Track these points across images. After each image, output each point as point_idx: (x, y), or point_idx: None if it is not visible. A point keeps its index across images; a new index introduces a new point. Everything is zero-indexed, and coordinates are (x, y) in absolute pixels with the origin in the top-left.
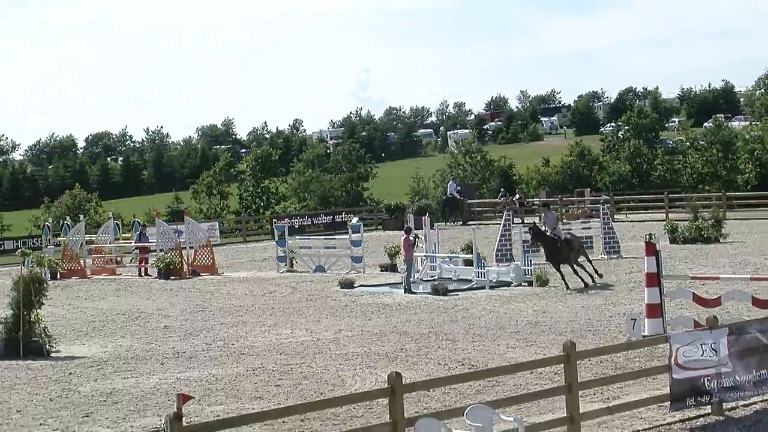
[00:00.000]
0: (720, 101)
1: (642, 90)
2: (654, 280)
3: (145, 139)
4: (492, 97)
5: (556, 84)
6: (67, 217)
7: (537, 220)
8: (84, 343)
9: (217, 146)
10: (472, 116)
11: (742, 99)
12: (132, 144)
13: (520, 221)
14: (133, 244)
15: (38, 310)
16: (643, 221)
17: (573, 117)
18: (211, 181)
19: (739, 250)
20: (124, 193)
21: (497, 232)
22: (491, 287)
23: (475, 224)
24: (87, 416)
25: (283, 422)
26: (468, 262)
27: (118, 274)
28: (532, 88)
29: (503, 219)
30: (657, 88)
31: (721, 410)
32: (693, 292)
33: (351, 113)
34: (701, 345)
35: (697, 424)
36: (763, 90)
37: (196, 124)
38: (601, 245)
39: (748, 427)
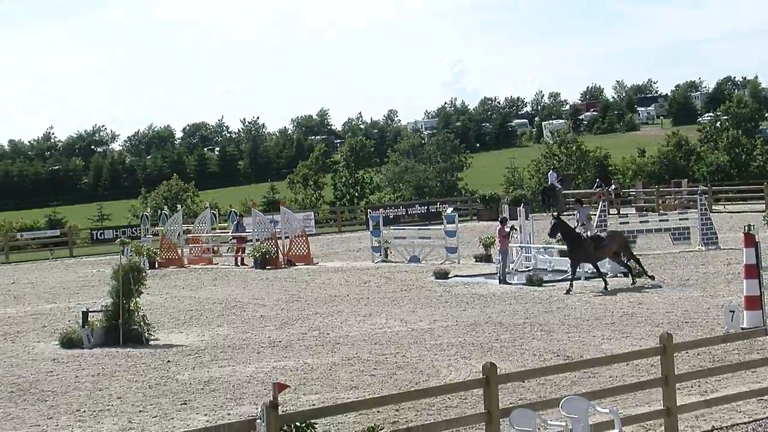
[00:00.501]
0: None
1: (741, 79)
2: (753, 271)
3: (241, 129)
4: (588, 87)
5: (653, 74)
6: (165, 207)
7: (575, 215)
8: (182, 332)
9: (312, 137)
10: (568, 106)
11: None
12: (228, 134)
13: (616, 212)
14: (230, 233)
15: (137, 299)
16: (742, 212)
17: (670, 107)
18: (307, 171)
19: None
20: (221, 183)
21: (592, 222)
22: (586, 278)
23: (570, 215)
24: (185, 404)
25: (378, 412)
26: (563, 253)
27: (215, 264)
28: (628, 78)
29: (598, 210)
30: (756, 77)
31: None
32: None
33: (446, 103)
34: None
35: None
36: None
37: (292, 114)
38: (699, 236)
39: None
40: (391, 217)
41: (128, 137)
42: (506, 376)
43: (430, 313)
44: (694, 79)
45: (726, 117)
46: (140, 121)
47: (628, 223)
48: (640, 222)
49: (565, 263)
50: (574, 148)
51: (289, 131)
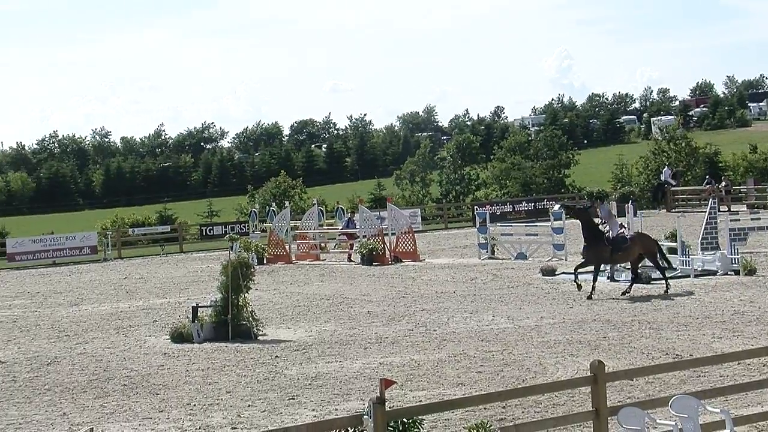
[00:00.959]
0: None
1: None
2: None
3: (348, 126)
4: (697, 83)
5: (765, 69)
6: (273, 203)
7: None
8: (289, 327)
9: (419, 133)
10: (677, 102)
11: None
12: (335, 131)
13: (727, 209)
14: (340, 229)
15: (246, 294)
16: None
17: None
18: (413, 168)
19: None
20: (328, 180)
21: (702, 220)
22: (696, 276)
23: (679, 212)
24: (293, 399)
25: (485, 408)
26: (672, 250)
27: (322, 260)
28: (739, 73)
29: (708, 207)
30: None
31: None
32: None
33: (553, 100)
34: None
35: None
36: None
37: (398, 111)
38: None
39: None
40: (497, 213)
41: (237, 134)
42: (614, 374)
43: (537, 311)
44: None
45: None
46: (248, 119)
47: (738, 220)
48: (752, 219)
49: (673, 261)
50: (683, 144)
51: (396, 128)
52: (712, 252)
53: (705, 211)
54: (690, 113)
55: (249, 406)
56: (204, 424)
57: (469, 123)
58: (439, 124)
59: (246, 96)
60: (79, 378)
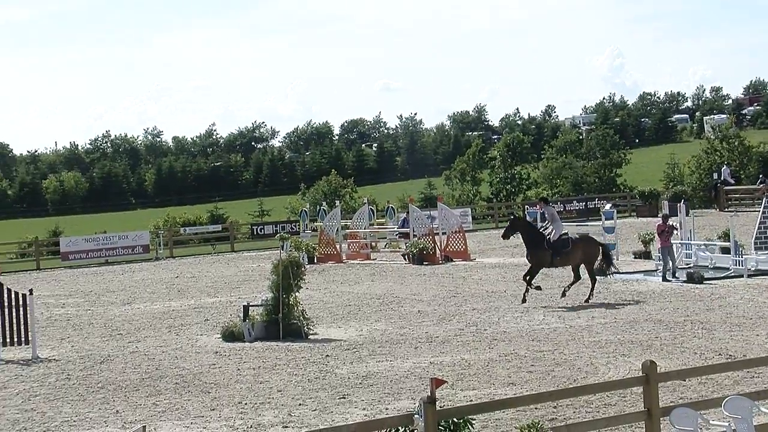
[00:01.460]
0: None
1: None
2: None
3: (398, 125)
4: (751, 81)
5: None
6: (324, 203)
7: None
8: (340, 327)
9: (469, 132)
10: (730, 101)
11: None
12: (386, 130)
13: None
14: (396, 229)
15: (296, 294)
16: None
17: None
18: (464, 167)
19: None
20: (378, 179)
21: (756, 220)
22: (749, 276)
23: (731, 211)
24: (343, 398)
25: (536, 408)
26: (725, 250)
27: (373, 259)
28: None
29: (762, 206)
30: None
31: None
32: None
33: (604, 99)
34: None
35: None
36: None
37: (449, 110)
38: None
39: None
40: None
41: (287, 134)
42: (666, 375)
43: (588, 311)
44: None
45: None
46: (299, 118)
47: None
48: None
49: (726, 261)
50: (736, 143)
51: (446, 127)
52: (766, 251)
53: (758, 211)
54: (743, 112)
55: (300, 404)
56: (255, 423)
57: (519, 122)
58: (490, 123)
59: (296, 95)
60: (132, 376)
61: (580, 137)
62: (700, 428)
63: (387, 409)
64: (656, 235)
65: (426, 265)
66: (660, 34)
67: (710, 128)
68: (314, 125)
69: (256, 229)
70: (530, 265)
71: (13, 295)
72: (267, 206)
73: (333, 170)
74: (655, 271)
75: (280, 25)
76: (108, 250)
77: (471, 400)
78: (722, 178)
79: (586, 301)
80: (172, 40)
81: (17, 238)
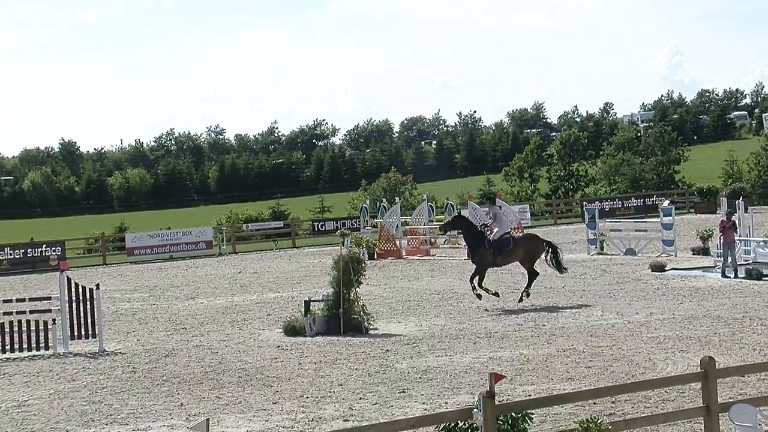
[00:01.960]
0: None
1: None
2: None
3: (457, 122)
4: None
5: None
6: (384, 199)
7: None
8: (400, 322)
9: (528, 130)
10: None
11: None
12: (445, 128)
13: None
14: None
15: (357, 289)
16: None
17: None
18: (522, 164)
19: None
20: (438, 176)
21: None
22: None
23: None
24: (403, 392)
25: (594, 403)
26: None
27: (432, 255)
28: None
29: None
30: None
31: None
32: None
33: (662, 96)
34: None
35: None
36: None
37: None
38: None
39: None
40: (606, 209)
41: (348, 131)
42: (725, 371)
43: (647, 306)
44: None
45: None
46: (359, 116)
47: None
48: None
49: None
50: None
51: (505, 124)
52: None
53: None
54: None
55: (360, 398)
56: (316, 416)
57: (578, 119)
58: (548, 120)
59: (357, 93)
60: (196, 370)
61: (638, 134)
62: (760, 424)
63: (446, 403)
64: (718, 230)
65: None
66: (718, 31)
67: None
68: (374, 123)
69: (317, 226)
70: (474, 265)
71: (80, 290)
72: (328, 203)
73: (392, 167)
74: (714, 267)
75: (340, 25)
76: (172, 246)
77: (529, 395)
78: None
79: (522, 298)
80: (235, 40)
81: (84, 234)
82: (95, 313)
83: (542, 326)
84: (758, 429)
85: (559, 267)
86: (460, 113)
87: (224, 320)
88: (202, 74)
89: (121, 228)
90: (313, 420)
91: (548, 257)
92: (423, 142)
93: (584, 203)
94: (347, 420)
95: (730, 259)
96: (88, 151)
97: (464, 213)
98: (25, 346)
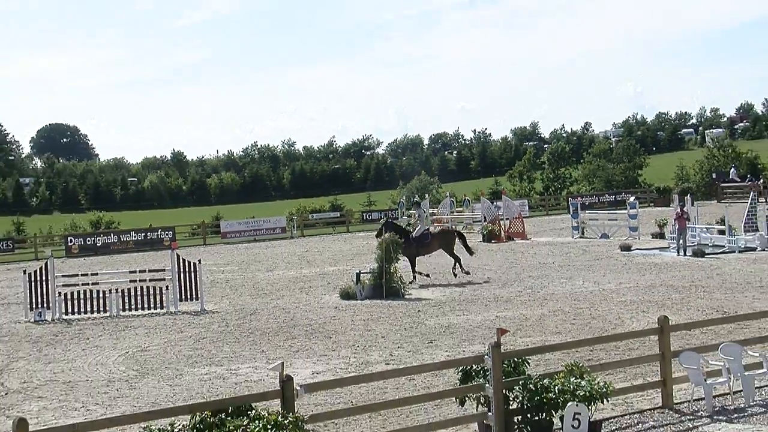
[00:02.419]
0: None
1: None
2: None
3: (472, 137)
4: (741, 103)
5: None
6: (416, 196)
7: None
8: (428, 289)
9: (526, 142)
10: (725, 118)
11: None
12: (463, 141)
13: (764, 200)
14: (479, 215)
15: (396, 264)
16: None
17: None
18: (521, 169)
19: None
20: (457, 178)
21: (745, 209)
22: (740, 251)
23: (726, 202)
24: (431, 342)
25: (576, 351)
26: (721, 232)
27: None
28: None
29: (750, 198)
30: None
31: None
32: None
33: (629, 117)
34: None
35: None
36: None
37: (511, 125)
38: None
39: None
40: (586, 203)
41: (389, 143)
42: (676, 326)
43: (617, 277)
44: None
45: None
46: (397, 131)
47: None
48: None
49: (722, 240)
50: (729, 150)
51: (509, 138)
52: (753, 233)
53: (747, 202)
54: (735, 127)
55: (398, 347)
56: (365, 361)
57: (564, 134)
58: (542, 135)
59: (396, 114)
60: (273, 325)
61: (611, 146)
62: (702, 366)
63: (464, 351)
64: (672, 219)
65: (493, 242)
66: (671, 68)
67: (710, 140)
68: (409, 137)
69: (365, 216)
70: (407, 257)
71: (186, 264)
72: (373, 198)
73: (423, 171)
74: (668, 247)
75: (384, 62)
76: (255, 231)
77: (527, 345)
78: (731, 177)
79: (455, 275)
80: (304, 72)
81: (189, 222)
82: (197, 282)
83: (537, 293)
84: (700, 369)
85: (469, 251)
86: (474, 130)
87: (294, 287)
88: (278, 99)
89: (216, 217)
90: (362, 363)
91: (460, 244)
92: (446, 152)
93: (569, 199)
94: (388, 363)
95: (681, 242)
96: (192, 159)
97: (477, 206)
98: (146, 306)
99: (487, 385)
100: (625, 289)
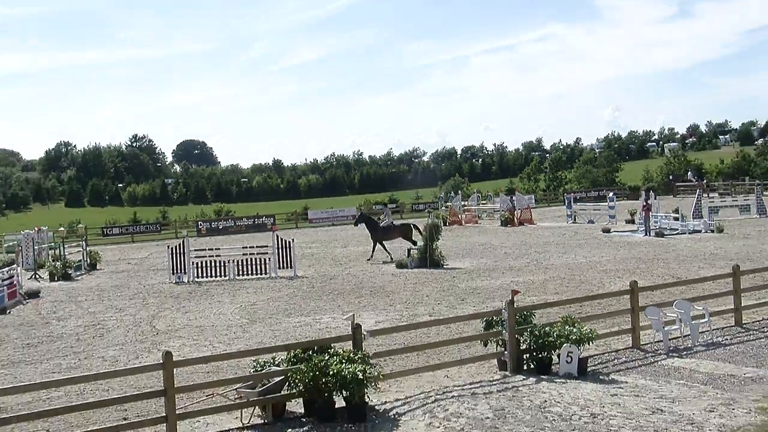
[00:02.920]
0: None
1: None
2: None
3: (494, 149)
4: (690, 124)
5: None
6: (452, 192)
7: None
8: (461, 261)
9: (533, 152)
10: (678, 135)
11: None
12: (486, 152)
13: (707, 195)
14: (498, 207)
15: (437, 242)
16: None
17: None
18: (530, 172)
19: None
20: (482, 179)
21: (693, 201)
22: (690, 233)
23: (680, 197)
24: (462, 300)
25: (569, 307)
26: (676, 219)
27: (479, 224)
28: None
29: (697, 194)
30: None
31: None
32: None
33: (609, 134)
34: None
35: None
36: None
37: (522, 140)
38: (755, 210)
39: None
40: (577, 198)
41: (431, 153)
42: (643, 288)
43: (599, 252)
44: (753, 119)
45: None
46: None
47: (713, 201)
48: (720, 201)
49: (676, 224)
50: (682, 159)
51: (520, 150)
52: (699, 219)
53: (695, 196)
54: (686, 141)
55: (438, 303)
56: (413, 314)
57: (561, 147)
58: (544, 147)
59: (437, 131)
60: (346, 287)
61: (595, 156)
62: (661, 318)
63: (487, 306)
64: (640, 209)
65: (509, 227)
66: (640, 98)
67: (668, 151)
68: (446, 149)
69: (414, 206)
70: (373, 241)
71: (283, 242)
72: (420, 194)
73: (456, 174)
74: (637, 230)
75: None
76: (334, 218)
77: (533, 302)
78: (688, 177)
79: (408, 256)
80: (370, 100)
81: (285, 211)
82: (291, 255)
83: (541, 263)
84: (660, 320)
85: (413, 241)
86: (495, 143)
87: (362, 259)
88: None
89: (305, 208)
90: (411, 315)
91: (414, 233)
92: (474, 160)
93: (564, 194)
94: (431, 315)
95: (646, 226)
96: (287, 165)
97: (496, 199)
98: (254, 272)
99: (504, 331)
100: (606, 261)
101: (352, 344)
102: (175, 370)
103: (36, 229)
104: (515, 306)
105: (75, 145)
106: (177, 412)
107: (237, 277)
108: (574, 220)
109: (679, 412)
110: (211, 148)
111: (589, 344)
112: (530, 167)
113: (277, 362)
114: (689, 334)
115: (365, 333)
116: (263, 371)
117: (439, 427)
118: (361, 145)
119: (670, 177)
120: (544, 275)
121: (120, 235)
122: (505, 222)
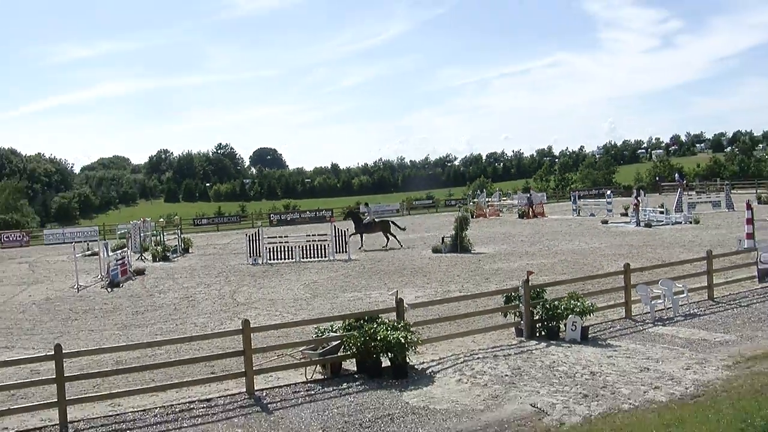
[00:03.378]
0: None
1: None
2: (750, 221)
3: (512, 155)
4: (673, 135)
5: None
6: (478, 190)
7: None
8: (485, 247)
9: (545, 158)
10: (663, 144)
11: None
12: (506, 157)
13: (687, 193)
14: (516, 202)
15: (466, 232)
16: (747, 194)
17: (710, 143)
18: (542, 173)
19: None
20: (503, 179)
21: (675, 197)
22: (672, 224)
23: (665, 194)
24: (487, 279)
25: (574, 285)
26: (661, 212)
27: (500, 217)
28: (693, 130)
29: (678, 191)
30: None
31: None
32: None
33: (606, 143)
34: None
35: None
36: None
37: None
38: (725, 205)
39: None
40: (581, 195)
41: (461, 159)
42: (634, 269)
43: (599, 240)
44: (723, 131)
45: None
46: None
47: (691, 197)
48: (697, 198)
49: (662, 217)
50: (666, 163)
51: (534, 156)
52: (680, 213)
53: (677, 194)
54: (669, 149)
55: (466, 282)
56: (446, 290)
57: (568, 153)
58: (554, 154)
59: (465, 141)
60: (390, 267)
61: (596, 161)
62: (649, 293)
63: (506, 284)
64: (632, 204)
65: (525, 219)
66: (632, 113)
67: (654, 157)
68: (473, 155)
69: (447, 203)
70: (357, 233)
71: (340, 231)
72: (452, 192)
73: (482, 175)
74: (630, 221)
75: (457, 108)
76: (382, 212)
77: (545, 281)
78: (676, 178)
79: (384, 248)
80: (410, 115)
81: (340, 206)
82: (346, 242)
83: (551, 249)
84: (648, 295)
85: (392, 234)
86: (513, 150)
87: (404, 245)
88: (395, 131)
89: (357, 203)
90: (444, 291)
91: (391, 229)
92: (496, 164)
93: (571, 192)
94: (461, 292)
95: (637, 218)
96: (343, 167)
97: (515, 196)
98: (315, 255)
99: (520, 304)
100: (604, 247)
101: (396, 315)
102: (252, 334)
103: (142, 220)
104: (530, 284)
105: (172, 152)
106: (254, 368)
107: (302, 260)
108: (579, 213)
109: (662, 370)
110: (281, 154)
111: (590, 315)
112: (542, 170)
113: (334, 329)
114: (671, 307)
115: (407, 306)
116: (323, 336)
117: (467, 383)
118: (404, 151)
119: (657, 178)
120: (553, 259)
121: (207, 225)
122: (521, 215)
